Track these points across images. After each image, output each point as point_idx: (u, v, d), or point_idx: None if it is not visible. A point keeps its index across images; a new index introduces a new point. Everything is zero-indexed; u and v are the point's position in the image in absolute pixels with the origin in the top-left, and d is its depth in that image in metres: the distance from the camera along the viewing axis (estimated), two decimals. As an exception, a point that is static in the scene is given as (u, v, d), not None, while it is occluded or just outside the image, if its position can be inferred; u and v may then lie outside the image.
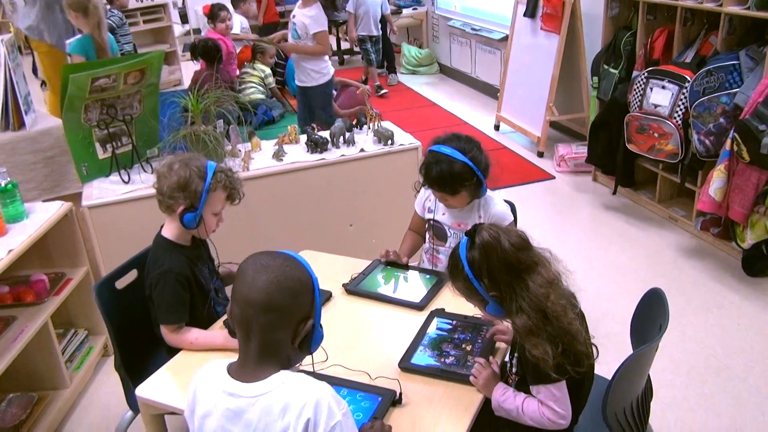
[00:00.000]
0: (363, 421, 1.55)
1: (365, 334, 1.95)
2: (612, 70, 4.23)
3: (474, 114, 6.50)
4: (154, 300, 2.00)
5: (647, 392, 1.81)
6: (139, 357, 2.14)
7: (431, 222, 2.33)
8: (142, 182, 2.80)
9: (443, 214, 2.29)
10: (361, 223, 3.20)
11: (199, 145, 2.77)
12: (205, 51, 4.99)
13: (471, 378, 1.68)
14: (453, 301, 1.85)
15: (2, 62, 2.85)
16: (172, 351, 1.96)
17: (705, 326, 2.99)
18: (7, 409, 2.47)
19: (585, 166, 4.68)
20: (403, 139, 3.20)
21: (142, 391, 1.76)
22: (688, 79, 3.42)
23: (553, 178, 4.81)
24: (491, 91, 6.81)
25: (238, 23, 6.81)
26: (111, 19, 6.49)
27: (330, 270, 2.29)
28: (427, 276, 2.24)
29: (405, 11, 8.39)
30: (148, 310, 2.07)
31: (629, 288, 3.30)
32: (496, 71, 6.59)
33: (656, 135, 3.65)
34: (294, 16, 4.60)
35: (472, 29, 7.06)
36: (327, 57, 4.74)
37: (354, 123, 3.33)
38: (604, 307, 3.14)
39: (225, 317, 1.39)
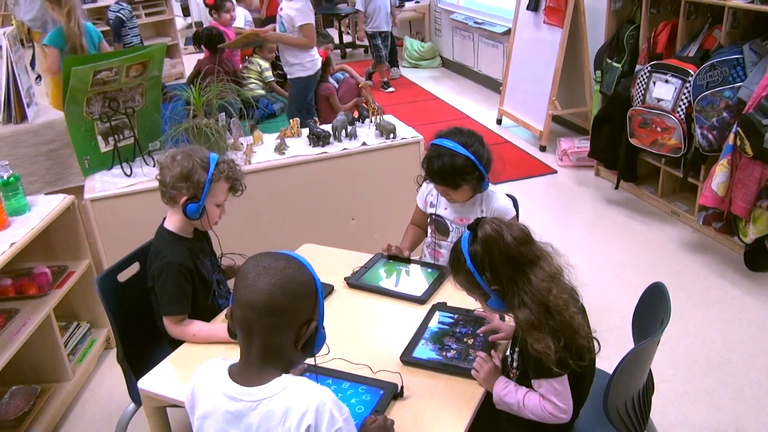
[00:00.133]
0: (365, 414, 1.55)
1: (367, 328, 1.96)
2: (615, 64, 4.22)
3: (476, 108, 6.48)
4: (157, 291, 2.01)
5: (648, 386, 1.81)
6: (142, 349, 2.14)
7: (433, 216, 2.33)
8: (144, 175, 2.80)
9: (445, 208, 2.29)
10: (363, 217, 3.20)
11: (201, 138, 2.77)
12: (210, 39, 4.97)
13: (472, 372, 1.68)
14: (455, 295, 1.85)
15: (4, 55, 2.85)
16: (174, 344, 1.97)
17: (707, 321, 2.99)
18: (10, 401, 2.48)
19: (587, 160, 4.68)
20: (405, 132, 3.20)
21: (145, 383, 1.77)
22: (692, 73, 3.41)
23: (556, 172, 4.81)
24: (494, 85, 6.80)
25: (242, 16, 6.79)
26: (121, 12, 6.52)
27: (332, 264, 2.29)
28: (429, 270, 2.24)
29: (408, 4, 8.37)
30: (150, 303, 2.08)
31: (631, 282, 3.30)
32: (499, 65, 6.58)
33: (659, 129, 3.64)
34: (281, 9, 4.59)
35: (475, 23, 7.04)
36: (314, 52, 4.69)
37: (356, 116, 3.33)
38: (605, 301, 3.14)
39: (226, 311, 1.38)
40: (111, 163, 2.89)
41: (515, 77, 5.70)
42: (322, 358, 1.65)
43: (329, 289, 2.12)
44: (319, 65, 4.74)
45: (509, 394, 1.62)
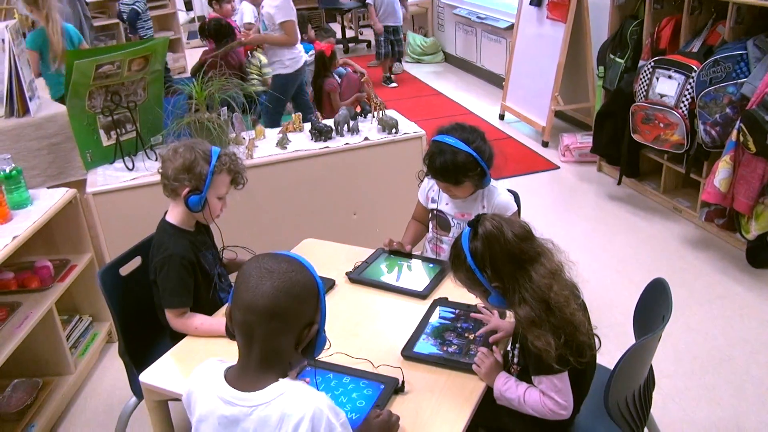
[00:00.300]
0: (366, 409, 1.56)
1: (368, 323, 1.96)
2: (618, 59, 4.21)
3: (479, 103, 6.47)
4: (159, 284, 2.01)
5: (649, 382, 1.81)
6: (143, 343, 2.15)
7: (434, 212, 2.33)
8: (147, 169, 2.80)
9: (447, 203, 2.29)
10: (365, 212, 3.20)
11: (203, 132, 2.77)
12: (218, 30, 4.94)
13: (473, 366, 1.68)
14: (456, 291, 1.85)
15: (6, 48, 2.85)
16: (176, 337, 1.97)
17: (708, 317, 2.99)
18: (12, 394, 2.48)
19: (590, 156, 4.67)
20: (408, 127, 3.19)
21: (146, 377, 1.77)
22: (695, 69, 3.40)
23: (558, 168, 4.80)
24: (496, 81, 6.79)
25: (250, 11, 6.78)
26: (136, 5, 6.55)
27: (333, 258, 2.30)
28: (430, 265, 2.24)
29: (411, -1, 8.35)
30: (151, 297, 2.08)
31: (633, 278, 3.30)
32: (502, 60, 6.56)
33: (662, 125, 3.63)
34: (263, 7, 4.58)
35: (478, 18, 7.03)
36: (296, 51, 4.66)
37: (358, 111, 3.32)
38: (607, 297, 3.14)
39: (226, 310, 1.37)
40: (113, 157, 2.90)
41: (518, 72, 5.68)
42: (324, 353, 1.65)
43: (330, 284, 2.12)
44: (300, 63, 4.69)
45: (510, 389, 1.63)
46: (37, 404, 2.48)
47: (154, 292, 2.06)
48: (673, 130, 3.59)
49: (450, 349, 1.79)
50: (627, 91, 3.94)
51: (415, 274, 2.20)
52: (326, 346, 1.41)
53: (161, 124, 3.04)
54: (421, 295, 2.05)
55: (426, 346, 1.80)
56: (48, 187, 2.80)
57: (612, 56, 4.27)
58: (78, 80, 2.64)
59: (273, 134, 3.17)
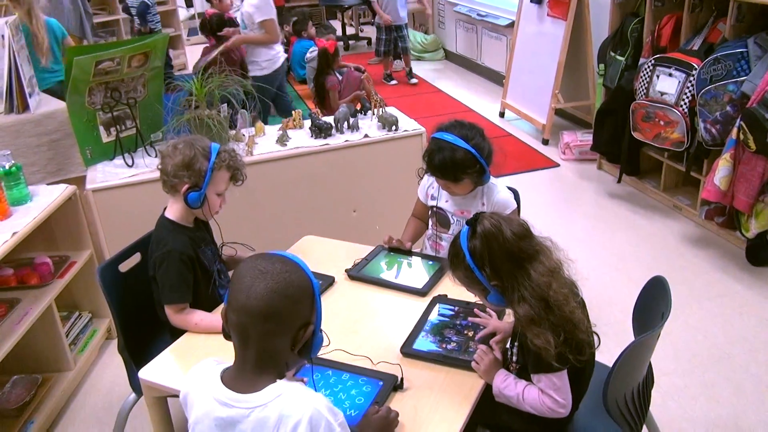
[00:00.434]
0: (365, 406, 1.56)
1: (368, 320, 1.96)
2: (619, 57, 4.20)
3: (479, 101, 6.47)
4: (158, 280, 2.01)
5: (648, 380, 1.81)
6: (143, 340, 2.15)
7: (434, 209, 2.33)
8: (146, 166, 2.80)
9: (446, 201, 2.29)
10: (365, 209, 3.20)
11: (203, 129, 2.76)
12: (220, 26, 4.93)
13: (473, 364, 1.68)
14: (455, 288, 1.85)
15: (6, 44, 2.85)
16: (176, 334, 1.97)
17: (708, 315, 2.99)
18: (12, 390, 2.49)
19: (590, 153, 4.67)
20: (408, 124, 3.19)
21: (146, 373, 1.78)
22: (696, 66, 3.39)
23: (558, 165, 4.80)
24: (497, 78, 6.78)
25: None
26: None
27: (333, 255, 2.29)
28: (430, 262, 2.24)
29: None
30: (151, 293, 2.08)
31: (633, 276, 3.30)
32: (502, 58, 6.56)
33: (662, 123, 3.63)
34: (242, 7, 4.56)
35: (478, 15, 7.02)
36: (273, 52, 4.62)
37: (358, 108, 3.32)
38: (606, 295, 3.14)
39: (222, 310, 1.36)
40: (113, 153, 2.89)
41: (518, 70, 5.68)
42: (323, 350, 1.65)
43: (330, 281, 2.12)
44: (278, 65, 4.66)
45: (509, 387, 1.63)
46: (37, 400, 2.48)
47: (154, 289, 2.06)
48: (673, 128, 3.58)
49: (449, 347, 1.79)
50: (627, 89, 3.93)
51: (415, 272, 2.20)
52: (325, 343, 1.41)
53: (161, 120, 3.04)
54: (421, 293, 2.05)
55: (425, 343, 1.80)
56: (47, 184, 2.80)
57: (612, 54, 4.26)
58: (78, 76, 2.64)
59: (273, 131, 3.17)
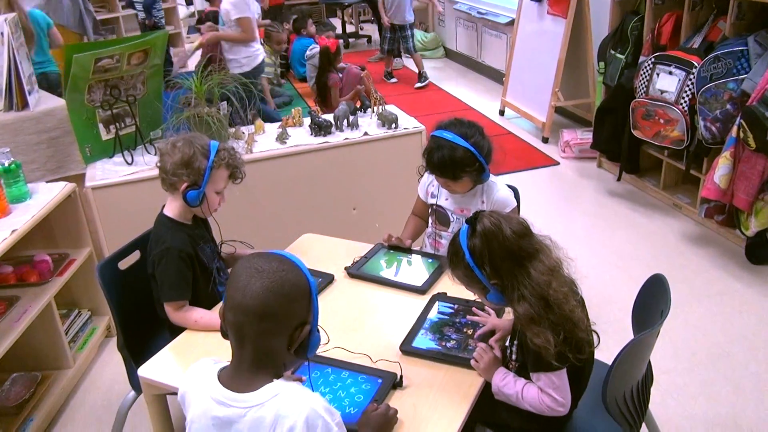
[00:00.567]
0: (364, 403, 1.56)
1: (367, 317, 1.96)
2: (619, 55, 4.20)
3: (479, 99, 6.47)
4: (157, 277, 2.01)
5: (648, 378, 1.81)
6: (142, 337, 2.15)
7: (434, 207, 2.33)
8: (146, 164, 2.80)
9: (446, 199, 2.28)
10: (365, 207, 3.19)
11: (202, 127, 2.76)
12: (216, 23, 4.93)
13: (472, 362, 1.68)
14: (455, 286, 1.85)
15: (5, 41, 2.84)
16: (175, 331, 1.97)
17: (707, 313, 2.99)
18: (11, 388, 2.49)
19: (590, 152, 4.66)
20: (407, 122, 3.19)
21: (145, 371, 1.78)
22: (696, 64, 3.39)
23: (558, 164, 4.80)
24: (497, 76, 6.78)
25: (256, 9, 6.74)
26: None
27: (332, 253, 2.29)
28: (430, 260, 2.24)
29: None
30: (150, 291, 2.08)
31: (632, 274, 3.30)
32: (502, 56, 6.55)
33: (662, 121, 3.63)
34: (222, 4, 4.55)
35: (479, 13, 7.01)
36: (255, 49, 4.60)
37: (358, 106, 3.32)
38: (606, 293, 3.14)
39: (220, 309, 1.36)
40: (112, 151, 2.89)
41: (518, 68, 5.67)
42: (323, 347, 1.65)
43: (329, 279, 2.12)
44: (258, 61, 4.65)
45: (508, 385, 1.63)
46: (36, 398, 2.48)
47: (153, 286, 2.06)
48: (673, 126, 3.58)
49: (448, 344, 1.79)
50: (627, 87, 3.93)
51: (414, 269, 2.20)
52: (325, 341, 1.41)
53: (160, 118, 3.04)
54: (420, 290, 2.05)
55: (424, 341, 1.80)
56: (47, 181, 2.80)
57: (612, 52, 4.26)
58: (77, 74, 2.63)
59: (272, 129, 3.17)
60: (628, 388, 1.67)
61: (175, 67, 5.44)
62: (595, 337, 1.61)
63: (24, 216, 2.42)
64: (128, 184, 2.73)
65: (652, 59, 3.66)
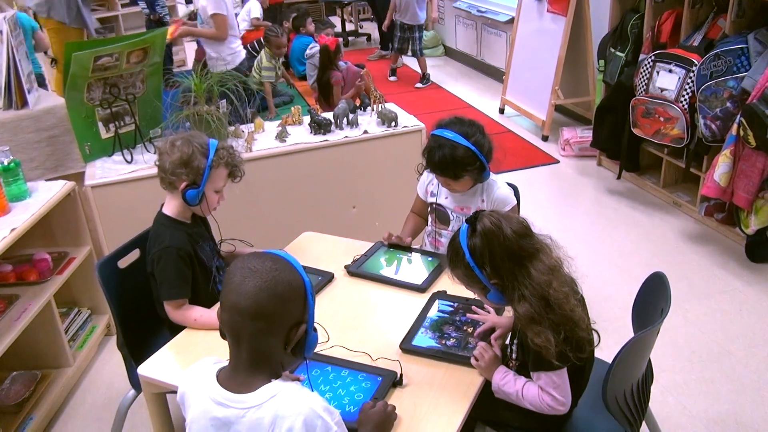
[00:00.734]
0: (364, 402, 1.56)
1: (367, 316, 1.96)
2: (618, 53, 4.20)
3: (479, 97, 6.46)
4: (157, 276, 2.01)
5: (648, 376, 1.81)
6: (142, 336, 2.15)
7: (434, 205, 2.33)
8: (145, 162, 2.79)
9: (446, 197, 2.28)
10: (364, 205, 3.19)
11: (202, 125, 2.76)
12: None
13: (472, 360, 1.68)
14: (454, 284, 1.85)
15: (5, 40, 2.84)
16: (175, 330, 1.97)
17: (707, 311, 2.99)
18: (11, 386, 2.49)
19: (589, 150, 4.66)
20: (407, 121, 3.19)
21: (145, 369, 1.77)
22: (696, 62, 3.39)
23: (558, 162, 4.79)
24: (496, 74, 6.77)
25: (257, 7, 6.77)
26: None
27: (332, 252, 2.29)
28: (429, 258, 2.24)
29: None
30: (150, 289, 2.08)
31: (632, 272, 3.30)
32: (502, 54, 6.54)
33: (662, 119, 3.63)
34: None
35: (478, 11, 7.00)
36: (234, 45, 4.56)
37: (358, 104, 3.32)
38: (606, 291, 3.14)
39: (218, 310, 1.36)
40: (112, 149, 2.89)
41: (518, 66, 5.67)
42: (323, 346, 1.65)
43: (329, 277, 2.12)
44: (241, 57, 4.63)
45: (508, 383, 1.62)
46: (36, 396, 2.48)
47: (152, 285, 2.06)
48: (673, 124, 3.58)
49: (448, 343, 1.79)
50: (627, 85, 3.93)
51: (414, 268, 2.20)
52: (325, 339, 1.41)
53: (160, 116, 3.03)
54: (420, 289, 2.05)
55: (424, 339, 1.80)
56: (46, 180, 2.79)
57: (612, 50, 4.26)
58: (77, 72, 2.63)
59: (272, 127, 3.17)
60: (629, 387, 1.67)
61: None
62: (595, 335, 1.61)
63: (23, 214, 2.42)
64: (128, 183, 2.73)
65: (652, 57, 3.66)
